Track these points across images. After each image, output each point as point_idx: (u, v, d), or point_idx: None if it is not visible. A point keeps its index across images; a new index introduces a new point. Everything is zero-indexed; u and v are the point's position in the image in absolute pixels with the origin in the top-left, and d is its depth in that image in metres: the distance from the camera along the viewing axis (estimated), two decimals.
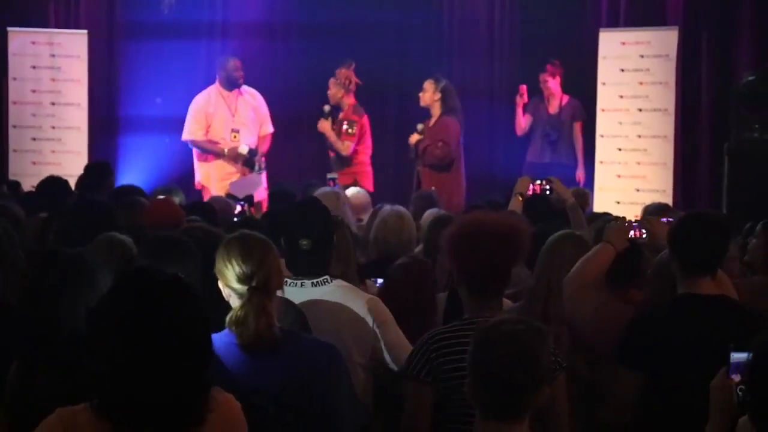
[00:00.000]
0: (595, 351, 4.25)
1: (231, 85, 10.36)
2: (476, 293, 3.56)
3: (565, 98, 10.61)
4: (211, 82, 10.69)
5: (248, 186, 9.58)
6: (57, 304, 3.24)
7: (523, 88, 10.63)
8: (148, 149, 11.39)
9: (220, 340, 3.08)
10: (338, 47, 10.79)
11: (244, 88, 10.45)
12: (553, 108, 10.59)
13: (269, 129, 10.56)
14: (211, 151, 10.25)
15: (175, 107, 11.19)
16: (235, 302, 3.19)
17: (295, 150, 11.36)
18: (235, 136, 10.28)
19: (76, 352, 3.10)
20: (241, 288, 3.19)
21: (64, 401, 2.69)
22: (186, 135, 10.37)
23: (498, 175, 10.75)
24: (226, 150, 10.16)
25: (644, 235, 4.66)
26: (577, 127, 10.58)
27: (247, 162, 10.24)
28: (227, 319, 3.15)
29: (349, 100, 10.20)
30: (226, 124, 10.30)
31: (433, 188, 9.20)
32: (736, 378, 2.64)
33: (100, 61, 11.55)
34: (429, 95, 9.94)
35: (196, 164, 10.44)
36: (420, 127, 9.98)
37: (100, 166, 8.17)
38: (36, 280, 3.34)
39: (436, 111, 9.95)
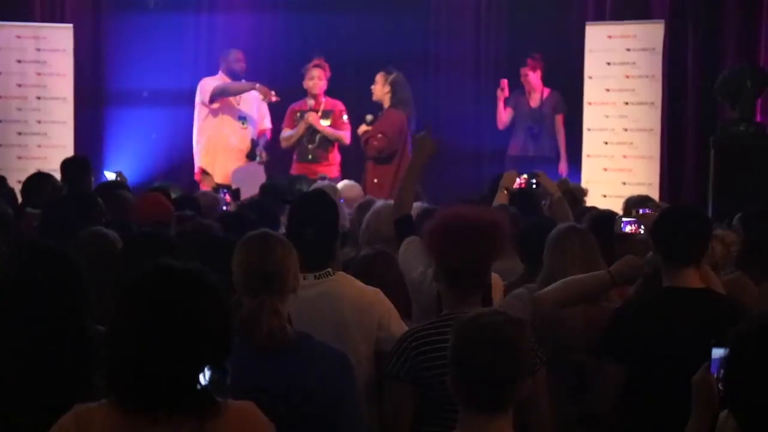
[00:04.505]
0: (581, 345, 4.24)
1: (234, 76, 10.40)
2: (456, 288, 3.55)
3: (546, 91, 10.65)
4: (199, 68, 10.74)
5: (248, 176, 9.63)
6: (29, 297, 3.21)
7: (504, 82, 10.65)
8: (136, 142, 11.36)
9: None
10: (325, 34, 10.78)
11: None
12: (535, 101, 10.63)
13: (268, 124, 10.69)
14: (238, 90, 10.33)
15: (162, 96, 11.19)
16: (247, 300, 3.18)
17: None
18: (243, 124, 10.44)
19: (44, 345, 3.10)
20: (256, 286, 3.18)
21: (28, 394, 2.69)
22: (208, 101, 10.38)
23: (485, 169, 10.77)
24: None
25: (641, 231, 4.66)
26: (559, 119, 10.63)
27: (249, 153, 10.28)
28: (239, 316, 3.13)
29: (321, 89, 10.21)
30: (234, 111, 10.39)
31: (375, 180, 9.29)
32: (718, 374, 2.65)
33: (85, 55, 11.50)
34: (379, 88, 9.96)
35: (197, 151, 10.44)
36: (369, 118, 10.00)
37: (78, 162, 8.13)
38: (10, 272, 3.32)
39: (386, 103, 9.97)
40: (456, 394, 2.76)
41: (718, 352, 2.64)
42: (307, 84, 10.16)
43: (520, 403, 2.83)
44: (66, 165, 8.04)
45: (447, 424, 3.04)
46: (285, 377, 3.16)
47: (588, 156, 10.64)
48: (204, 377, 2.39)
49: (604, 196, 10.01)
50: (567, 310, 4.09)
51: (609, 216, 5.42)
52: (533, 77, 10.59)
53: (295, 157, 10.25)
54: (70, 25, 11.27)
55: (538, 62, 10.56)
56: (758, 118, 9.14)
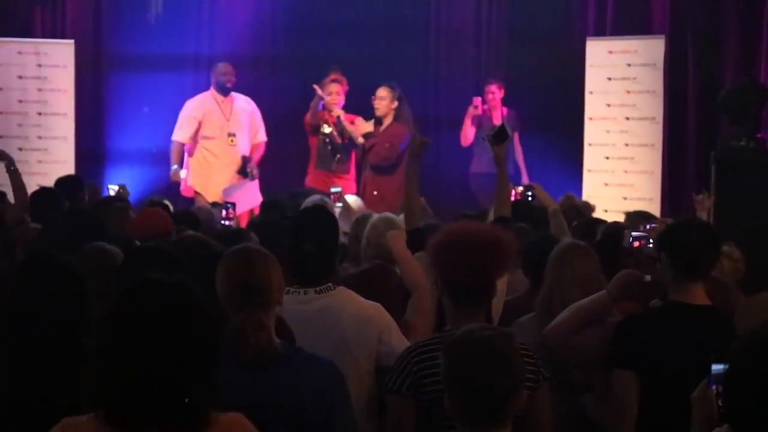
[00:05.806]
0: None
1: (223, 89, 10.36)
2: (460, 304, 3.54)
3: (505, 110, 10.70)
4: (199, 89, 10.71)
5: (241, 193, 9.59)
6: (30, 308, 3.22)
7: (478, 100, 10.64)
8: (137, 157, 11.36)
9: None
10: (324, 52, 10.77)
11: (238, 94, 10.48)
12: (498, 119, 10.64)
13: (263, 137, 10.60)
14: (174, 159, 10.35)
15: (163, 115, 11.18)
16: (233, 314, 3.18)
17: (283, 158, 11.30)
18: (232, 140, 10.31)
19: (38, 357, 3.11)
20: (240, 301, 3.18)
21: (17, 404, 2.78)
22: (174, 135, 10.43)
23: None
24: (181, 173, 10.28)
25: (650, 245, 4.66)
26: (516, 137, 10.59)
27: (241, 170, 10.24)
28: (226, 333, 3.12)
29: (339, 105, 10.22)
30: (222, 128, 10.31)
31: (374, 192, 9.31)
32: (717, 389, 2.64)
33: (86, 70, 11.52)
34: (386, 103, 9.99)
35: (188, 169, 10.42)
36: (372, 122, 10.06)
37: (70, 181, 8.15)
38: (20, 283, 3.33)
39: (389, 119, 10.02)
40: (453, 412, 2.75)
41: (717, 368, 2.64)
42: (326, 99, 10.15)
43: (522, 419, 2.83)
44: (59, 183, 8.06)
45: None
46: (276, 391, 3.15)
47: (589, 171, 10.66)
48: (194, 390, 2.38)
49: (606, 211, 9.97)
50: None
51: (620, 229, 5.41)
52: (498, 95, 10.65)
53: (312, 164, 10.23)
54: (71, 41, 11.29)
55: (502, 83, 10.65)
56: (759, 134, 9.14)
